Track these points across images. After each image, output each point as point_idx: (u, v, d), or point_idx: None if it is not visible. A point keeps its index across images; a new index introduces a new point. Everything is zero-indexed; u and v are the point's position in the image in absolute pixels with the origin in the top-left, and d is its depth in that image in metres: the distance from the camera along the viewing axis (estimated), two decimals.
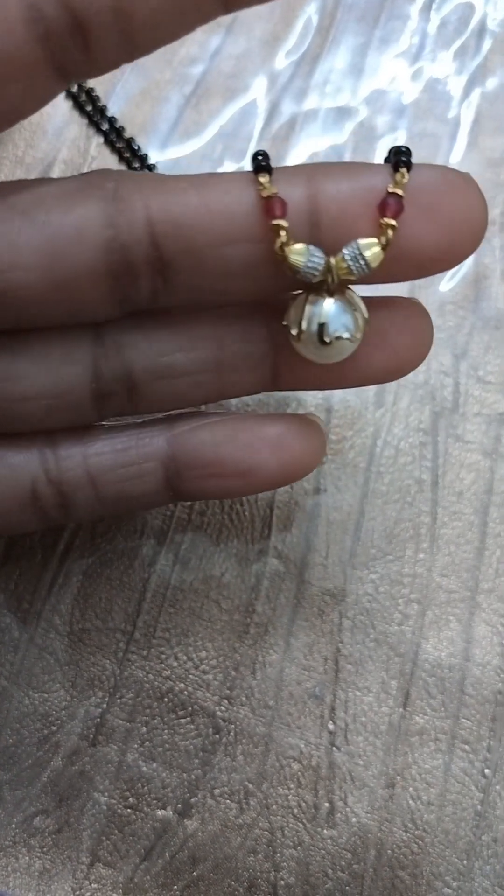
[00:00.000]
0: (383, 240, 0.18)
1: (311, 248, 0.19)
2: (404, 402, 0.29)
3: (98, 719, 0.26)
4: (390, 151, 0.19)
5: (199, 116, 0.33)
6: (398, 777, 0.26)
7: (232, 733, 0.26)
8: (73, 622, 0.27)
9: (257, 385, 0.23)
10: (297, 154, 0.32)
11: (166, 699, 0.27)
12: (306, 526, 0.28)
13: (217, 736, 0.26)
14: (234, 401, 0.29)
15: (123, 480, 0.23)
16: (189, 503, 0.28)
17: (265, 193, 0.19)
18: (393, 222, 0.18)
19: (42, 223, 0.19)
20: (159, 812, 0.26)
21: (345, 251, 0.19)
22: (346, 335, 0.20)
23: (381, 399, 0.29)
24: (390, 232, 0.18)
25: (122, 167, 0.32)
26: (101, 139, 0.32)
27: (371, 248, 0.19)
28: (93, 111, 0.32)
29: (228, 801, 0.26)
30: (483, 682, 0.27)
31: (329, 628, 0.27)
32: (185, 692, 0.27)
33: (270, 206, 0.19)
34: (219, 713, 0.26)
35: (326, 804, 0.26)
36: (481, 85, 0.33)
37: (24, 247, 0.19)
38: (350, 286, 0.20)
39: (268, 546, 0.28)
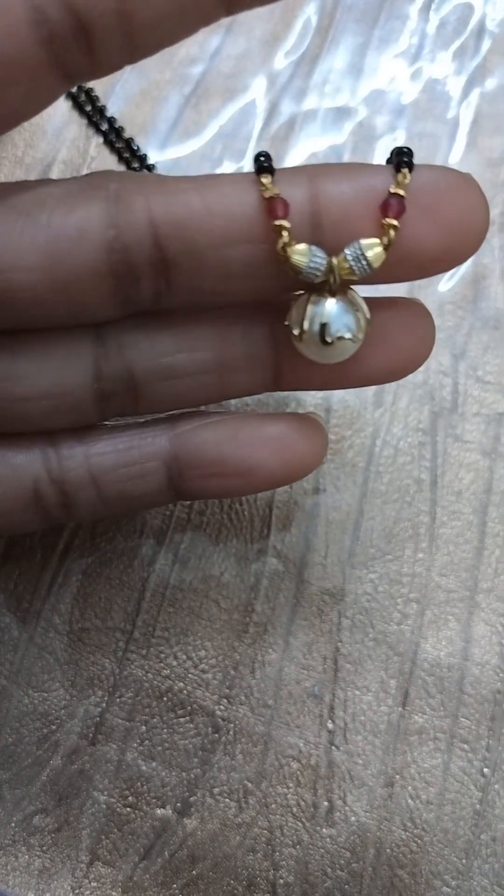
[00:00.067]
0: (385, 240, 0.19)
1: (314, 248, 0.19)
2: (403, 402, 0.29)
3: (97, 718, 0.26)
4: (392, 152, 0.19)
5: (198, 116, 0.33)
6: (397, 776, 0.26)
7: (231, 732, 0.26)
8: (73, 621, 0.27)
9: (259, 385, 0.23)
10: (296, 154, 0.32)
11: (165, 698, 0.27)
12: (305, 525, 0.28)
13: (216, 735, 0.26)
14: (233, 400, 0.29)
15: (126, 480, 0.23)
16: (188, 502, 0.28)
17: (267, 194, 0.19)
18: (395, 222, 0.18)
19: (44, 224, 0.19)
20: (158, 811, 0.26)
21: (347, 251, 0.19)
22: (347, 335, 0.20)
23: (381, 399, 0.29)
24: (392, 232, 0.18)
25: (122, 167, 0.32)
26: (101, 139, 0.32)
27: (373, 249, 0.19)
28: (92, 111, 0.32)
29: (227, 799, 0.26)
30: (482, 682, 0.27)
31: (328, 628, 0.27)
32: (185, 691, 0.27)
33: (273, 206, 0.19)
34: (218, 712, 0.27)
35: (325, 803, 0.26)
36: (480, 85, 0.33)
37: (26, 247, 0.19)
38: (352, 287, 0.20)
39: (267, 545, 0.28)
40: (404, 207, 0.18)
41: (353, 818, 0.26)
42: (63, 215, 0.19)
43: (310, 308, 0.20)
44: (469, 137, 0.33)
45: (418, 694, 0.27)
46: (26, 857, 0.26)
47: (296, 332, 0.20)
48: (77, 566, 0.28)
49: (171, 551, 0.28)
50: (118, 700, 0.27)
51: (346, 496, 0.28)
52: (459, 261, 0.19)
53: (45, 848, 0.26)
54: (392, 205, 0.18)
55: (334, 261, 0.19)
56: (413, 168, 0.19)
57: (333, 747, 0.26)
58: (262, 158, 0.19)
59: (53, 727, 0.26)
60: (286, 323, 0.20)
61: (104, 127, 0.32)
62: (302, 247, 0.19)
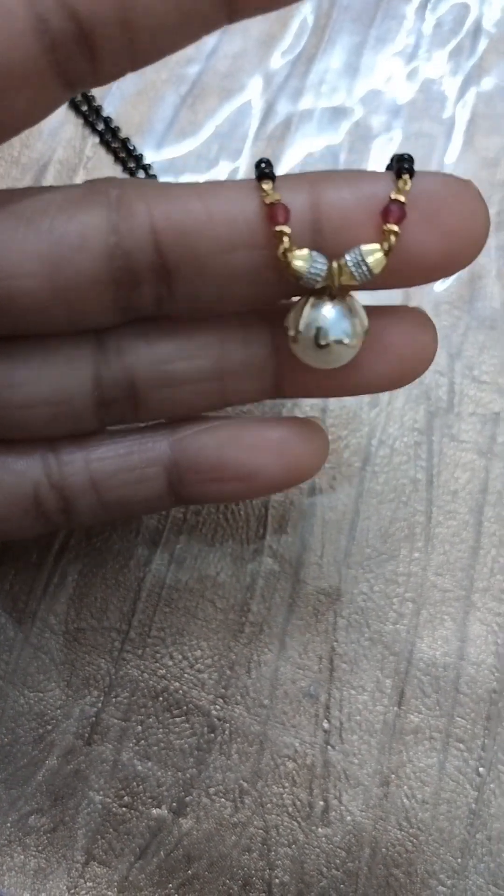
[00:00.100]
0: (386, 246, 0.19)
1: (314, 253, 0.19)
2: (399, 402, 0.29)
3: (93, 718, 0.27)
4: (393, 159, 0.19)
5: (194, 116, 0.33)
6: (393, 775, 0.26)
7: (227, 732, 0.26)
8: (69, 621, 0.27)
9: (260, 393, 0.23)
10: (292, 154, 0.32)
11: (161, 698, 0.27)
12: (301, 525, 0.28)
13: (212, 735, 0.26)
14: None
15: (126, 485, 0.23)
16: None
17: (268, 200, 0.19)
18: (396, 228, 0.18)
19: (45, 230, 0.19)
20: (154, 811, 0.26)
21: (347, 257, 0.19)
22: (343, 340, 0.20)
23: (376, 399, 0.29)
24: (393, 238, 0.18)
25: (118, 168, 0.32)
26: (97, 139, 0.32)
27: (374, 254, 0.19)
28: (88, 111, 0.32)
29: (223, 799, 0.26)
30: (477, 681, 0.27)
31: (324, 627, 0.27)
32: (181, 691, 0.27)
33: (273, 212, 0.19)
34: (214, 712, 0.27)
35: (321, 802, 0.26)
36: (476, 85, 0.33)
37: (27, 254, 0.19)
38: (352, 294, 0.20)
39: (263, 545, 0.28)
40: (405, 213, 0.18)
41: (348, 817, 0.26)
42: (64, 222, 0.19)
43: (307, 311, 0.20)
44: (465, 137, 0.33)
45: (414, 693, 0.27)
46: (22, 857, 0.26)
47: (291, 333, 0.20)
48: (73, 566, 0.28)
49: (167, 551, 0.28)
50: (114, 700, 0.27)
51: (342, 496, 0.28)
52: (459, 267, 0.19)
53: (40, 848, 0.26)
54: (393, 211, 0.18)
55: (335, 266, 0.19)
56: (414, 174, 0.19)
57: (329, 747, 0.26)
58: (263, 165, 0.19)
59: (49, 727, 0.26)
60: (285, 324, 0.20)
61: (100, 127, 0.32)
62: (303, 252, 0.19)
